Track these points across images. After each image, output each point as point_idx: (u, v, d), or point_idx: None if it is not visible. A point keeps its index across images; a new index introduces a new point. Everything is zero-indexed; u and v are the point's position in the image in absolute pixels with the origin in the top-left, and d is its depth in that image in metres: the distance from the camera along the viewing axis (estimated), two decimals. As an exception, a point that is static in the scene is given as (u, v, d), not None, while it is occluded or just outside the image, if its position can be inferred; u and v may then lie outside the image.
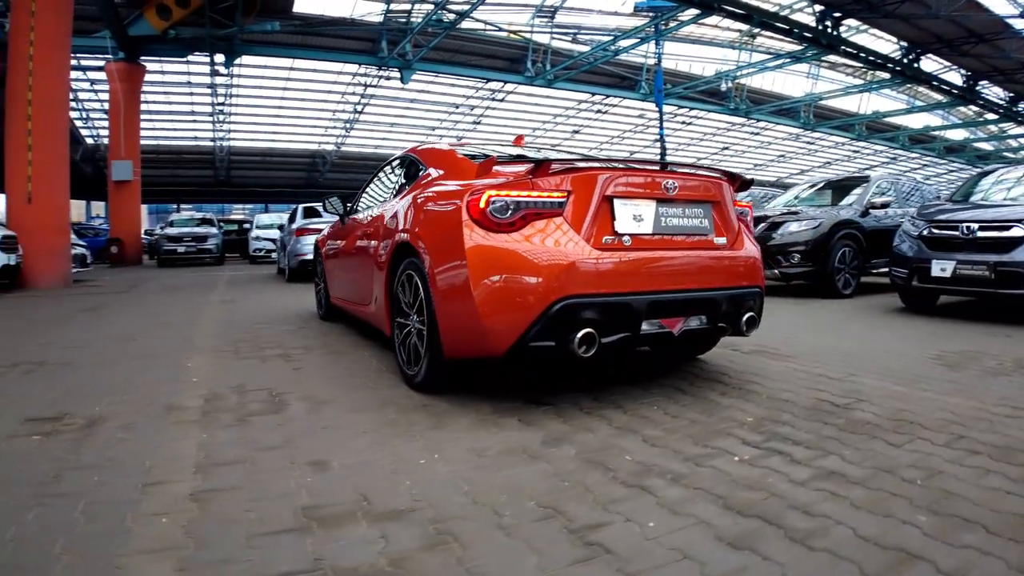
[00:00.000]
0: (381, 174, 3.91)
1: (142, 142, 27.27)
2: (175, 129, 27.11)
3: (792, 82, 24.86)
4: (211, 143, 28.49)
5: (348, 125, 26.55)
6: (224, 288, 8.45)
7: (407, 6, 15.95)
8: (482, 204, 2.14)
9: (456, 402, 2.42)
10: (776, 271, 6.14)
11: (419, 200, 2.60)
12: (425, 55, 17.59)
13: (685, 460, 1.76)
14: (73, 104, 22.95)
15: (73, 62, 18.55)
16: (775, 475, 1.63)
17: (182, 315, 5.43)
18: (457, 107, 24.86)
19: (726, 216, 2.58)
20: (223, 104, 23.81)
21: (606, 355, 3.10)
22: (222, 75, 19.72)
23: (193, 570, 1.24)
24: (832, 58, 19.90)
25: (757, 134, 30.53)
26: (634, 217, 2.28)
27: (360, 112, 24.80)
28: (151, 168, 29.63)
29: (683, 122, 27.95)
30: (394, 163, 3.71)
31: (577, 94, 23.54)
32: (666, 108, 20.54)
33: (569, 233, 2.15)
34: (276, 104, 24.52)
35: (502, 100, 23.78)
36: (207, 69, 19.18)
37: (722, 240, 2.53)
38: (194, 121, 26.14)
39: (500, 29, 16.74)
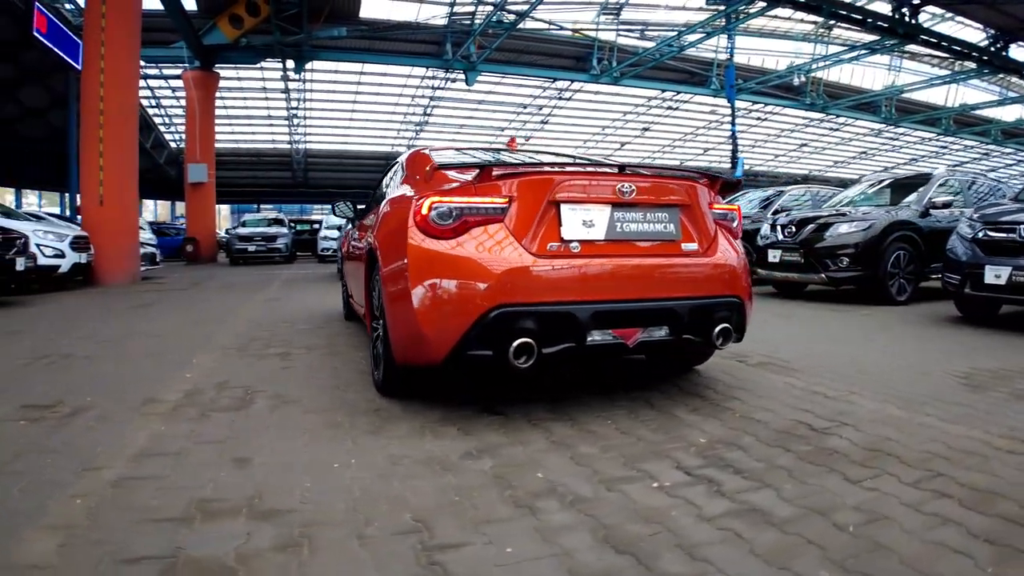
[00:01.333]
0: (384, 178, 4.08)
1: (223, 145, 29.81)
2: (253, 133, 29.41)
3: (872, 75, 23.78)
4: (288, 146, 30.65)
5: (418, 127, 27.76)
6: (278, 287, 9.07)
7: (471, 8, 16.44)
8: (424, 210, 2.19)
9: (411, 407, 2.48)
10: (823, 275, 5.89)
11: (383, 206, 2.71)
12: (488, 56, 18.11)
13: (599, 482, 1.71)
14: (157, 110, 25.53)
15: (155, 71, 20.72)
16: (685, 507, 1.55)
17: (220, 313, 5.91)
18: (524, 107, 25.29)
19: (698, 220, 2.46)
20: (297, 108, 25.58)
21: (556, 365, 3.09)
22: (293, 80, 21.10)
23: (71, 546, 1.39)
24: (914, 48, 18.74)
25: (836, 130, 29.52)
26: (584, 222, 2.23)
27: (428, 114, 25.84)
28: (232, 170, 32.37)
29: (758, 118, 27.37)
30: (394, 167, 3.85)
31: (646, 91, 23.51)
32: (740, 104, 20.14)
33: (508, 240, 2.14)
34: (349, 107, 26.08)
35: (569, 99, 23.96)
36: (292, 74, 20.64)
37: (692, 246, 2.42)
38: (271, 125, 28.26)
39: (561, 28, 16.87)
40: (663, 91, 23.15)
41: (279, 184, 34.88)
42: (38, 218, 9.67)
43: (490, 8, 15.62)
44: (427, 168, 2.57)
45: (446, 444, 2.05)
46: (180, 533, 1.45)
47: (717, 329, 2.37)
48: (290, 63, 18.77)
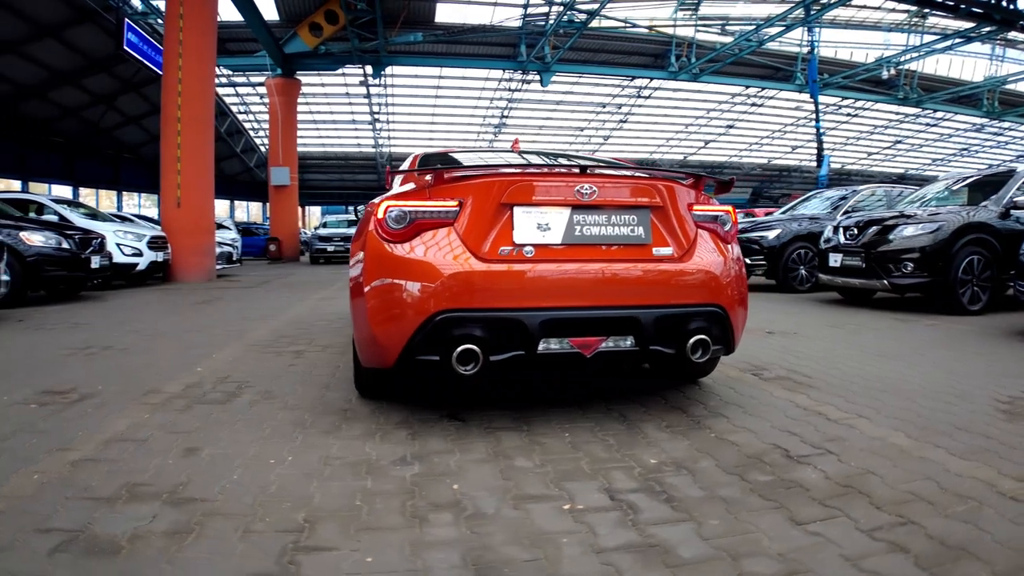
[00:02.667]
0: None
1: (311, 149, 32.07)
2: (340, 137, 31.43)
3: (971, 65, 21.96)
4: (372, 149, 32.51)
5: (497, 129, 28.59)
6: (339, 286, 9.57)
7: (544, 9, 16.68)
8: (380, 214, 2.24)
9: (381, 409, 2.56)
10: (885, 282, 5.53)
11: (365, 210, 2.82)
12: (562, 56, 18.37)
13: (511, 499, 1.67)
14: (246, 116, 27.83)
15: (243, 79, 22.67)
16: (583, 536, 1.47)
17: (270, 310, 6.36)
18: (603, 107, 25.38)
19: (672, 223, 2.34)
20: (379, 112, 27.07)
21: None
22: (372, 85, 22.31)
23: (5, 513, 1.58)
24: (1016, 35, 16.98)
25: (933, 125, 28.07)
26: (539, 226, 2.19)
27: (506, 116, 26.55)
28: (321, 173, 34.77)
29: (847, 114, 26.34)
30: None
31: (728, 88, 23.24)
32: (827, 100, 19.35)
33: (456, 244, 2.15)
34: (429, 110, 27.38)
35: (648, 97, 23.90)
36: (370, 79, 21.92)
37: (665, 251, 2.31)
38: (356, 129, 30.09)
39: (634, 25, 16.77)
40: (746, 87, 22.82)
41: (366, 186, 36.98)
42: (122, 219, 10.88)
43: (561, 9, 15.76)
44: (402, 171, 2.63)
45: (387, 448, 2.10)
46: (99, 511, 1.60)
47: (692, 341, 2.24)
48: (369, 69, 19.85)
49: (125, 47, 12.00)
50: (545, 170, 2.39)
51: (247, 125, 28.50)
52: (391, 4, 16.85)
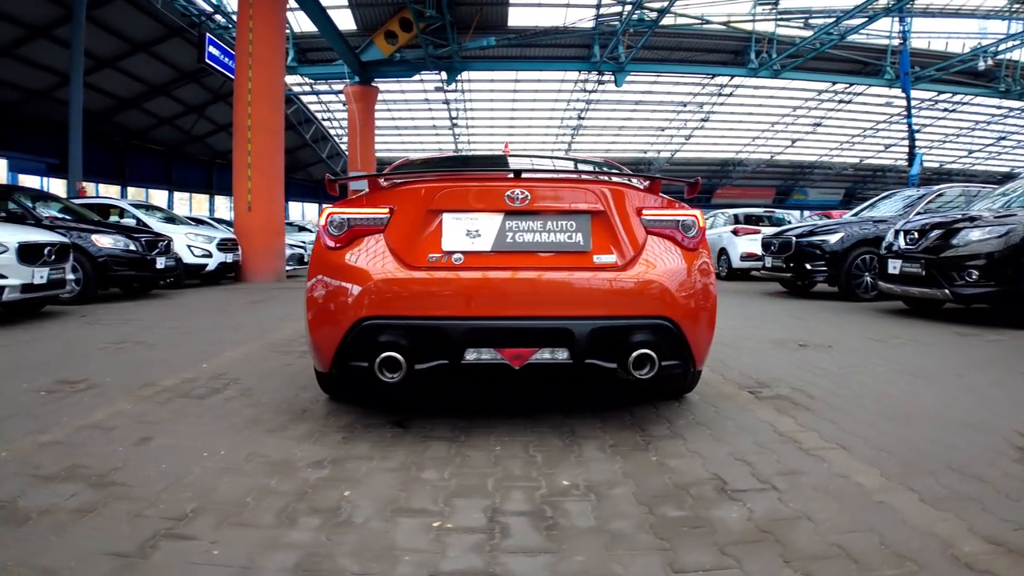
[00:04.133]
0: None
1: (393, 154, 33.64)
2: (421, 141, 32.86)
3: None
4: (453, 153, 33.77)
5: (574, 131, 28.91)
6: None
7: (617, 9, 16.69)
8: (323, 221, 2.39)
9: (336, 411, 2.72)
10: (946, 291, 5.13)
11: None
12: (637, 55, 18.32)
13: (391, 511, 1.73)
14: (330, 122, 29.58)
15: (324, 87, 24.18)
16: (427, 556, 1.48)
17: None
18: (684, 106, 25.08)
19: (616, 229, 2.29)
20: (456, 116, 28.06)
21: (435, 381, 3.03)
22: (446, 91, 23.14)
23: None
24: None
25: None
26: (468, 232, 2.24)
27: (583, 117, 26.80)
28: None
29: (944, 109, 24.86)
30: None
31: (815, 84, 22.67)
32: (921, 95, 18.10)
33: (385, 251, 2.24)
34: (507, 113, 28.12)
35: (730, 95, 23.47)
36: (444, 85, 22.83)
37: (608, 258, 2.27)
38: (436, 133, 31.34)
39: (707, 21, 16.41)
40: (832, 84, 22.07)
41: None
42: (198, 222, 11.95)
43: (631, 7, 15.72)
44: (331, 179, 2.67)
45: (313, 450, 2.23)
46: (33, 488, 1.85)
47: (634, 356, 2.19)
48: (444, 75, 20.64)
49: (206, 60, 13.28)
50: (478, 176, 2.43)
51: (332, 131, 30.36)
52: (464, 10, 17.45)
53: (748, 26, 18.01)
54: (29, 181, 18.84)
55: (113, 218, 9.68)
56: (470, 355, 2.20)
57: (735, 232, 11.94)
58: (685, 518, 1.71)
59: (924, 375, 3.44)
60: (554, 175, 2.43)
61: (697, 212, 2.48)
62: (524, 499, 1.83)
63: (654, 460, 2.16)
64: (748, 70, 19.37)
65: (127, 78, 18.99)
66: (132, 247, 7.45)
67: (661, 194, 2.51)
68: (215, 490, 1.87)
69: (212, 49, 13.48)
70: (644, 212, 2.37)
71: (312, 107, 27.84)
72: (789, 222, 11.63)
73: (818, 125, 27.99)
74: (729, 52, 20.30)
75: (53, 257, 5.54)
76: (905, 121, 18.99)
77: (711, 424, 2.57)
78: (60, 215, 7.67)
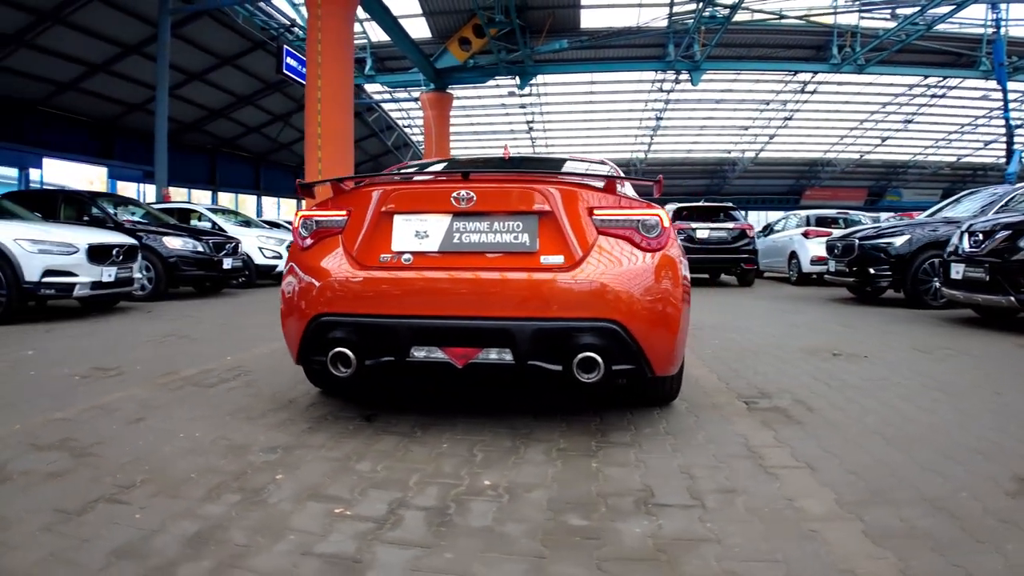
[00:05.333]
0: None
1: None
2: (499, 146, 33.56)
3: None
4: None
5: (653, 132, 28.67)
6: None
7: (691, 6, 16.45)
8: (296, 223, 2.63)
9: (319, 403, 2.94)
10: (1011, 298, 4.79)
11: None
12: (712, 53, 18.00)
13: (307, 496, 1.88)
14: (411, 128, 30.77)
15: (404, 94, 25.23)
16: (311, 537, 1.61)
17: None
18: (767, 104, 24.36)
19: (564, 230, 2.33)
20: (533, 120, 28.50)
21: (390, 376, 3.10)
22: (520, 95, 23.55)
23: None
24: None
25: None
26: (417, 233, 2.37)
27: (661, 118, 26.54)
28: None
29: None
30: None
31: (904, 79, 21.65)
32: (1020, 86, 16.51)
33: (340, 251, 2.42)
34: (584, 116, 28.31)
35: (813, 92, 22.62)
36: (516, 90, 23.31)
37: (555, 259, 2.31)
38: (514, 137, 31.93)
39: (782, 16, 15.79)
40: (924, 77, 21.00)
41: None
42: (274, 225, 12.86)
43: (711, 4, 15.43)
44: (302, 183, 2.88)
45: (274, 437, 2.44)
46: (25, 454, 2.18)
47: (578, 359, 2.23)
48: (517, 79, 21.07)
49: (284, 70, 14.33)
50: (426, 178, 2.55)
51: (413, 137, 31.65)
52: (536, 14, 17.74)
53: (828, 19, 17.33)
54: (127, 187, 21.08)
55: (193, 222, 10.64)
56: (418, 353, 2.33)
57: (805, 235, 11.40)
58: (583, 528, 1.72)
59: (953, 391, 3.21)
60: (501, 176, 2.51)
61: (661, 211, 2.45)
62: (436, 495, 1.92)
63: (593, 467, 2.17)
64: (830, 65, 18.66)
65: (215, 90, 20.84)
66: (200, 248, 8.19)
67: (623, 194, 2.51)
68: (170, 466, 2.11)
69: (290, 60, 14.51)
70: (596, 212, 2.37)
71: (393, 114, 29.12)
72: (864, 223, 10.96)
73: (909, 122, 26.73)
74: (809, 47, 19.71)
75: (121, 257, 6.22)
76: (1002, 116, 17.41)
77: (680, 434, 2.54)
78: (139, 219, 8.55)
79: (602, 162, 3.49)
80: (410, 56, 17.93)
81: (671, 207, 11.67)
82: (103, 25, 15.27)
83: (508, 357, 2.31)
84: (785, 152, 33.47)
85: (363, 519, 1.74)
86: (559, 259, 2.32)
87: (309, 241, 2.55)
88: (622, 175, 3.30)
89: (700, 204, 11.95)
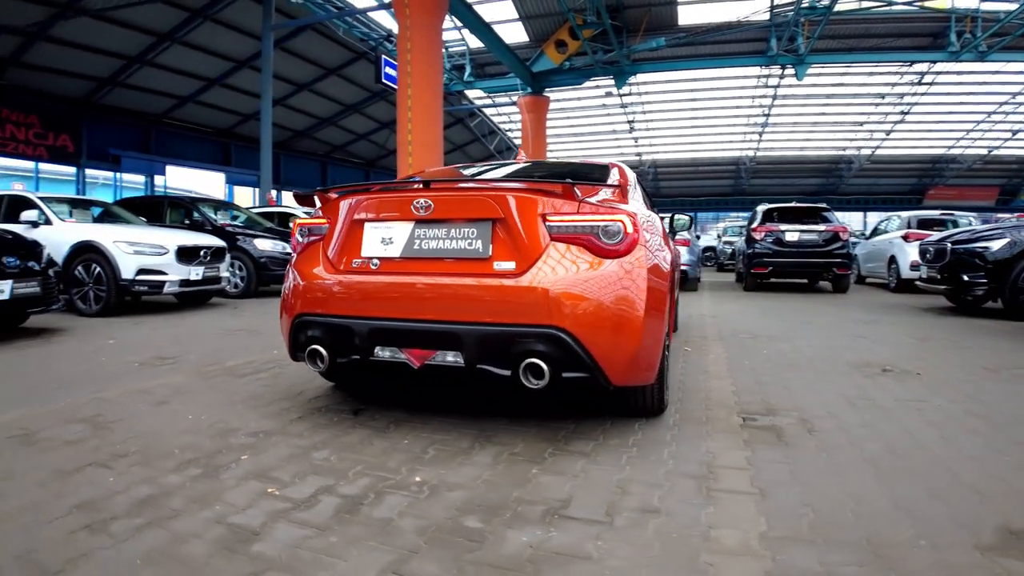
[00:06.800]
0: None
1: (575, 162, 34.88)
2: (600, 147, 33.57)
3: None
4: (635, 157, 34.04)
5: (761, 128, 27.66)
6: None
7: (793, -2, 15.76)
8: (294, 231, 2.95)
9: (323, 395, 3.25)
10: None
11: None
12: (816, 46, 17.14)
13: (253, 475, 2.14)
14: (512, 132, 31.41)
15: (504, 98, 25.86)
16: (233, 509, 1.87)
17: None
18: (883, 97, 22.78)
19: (517, 235, 2.43)
20: (634, 120, 28.23)
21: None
22: (619, 95, 23.43)
23: (17, 420, 2.74)
24: None
25: None
26: (382, 240, 2.58)
27: (768, 114, 25.53)
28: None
29: None
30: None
31: None
32: None
33: (321, 257, 2.70)
34: (688, 114, 27.75)
35: (931, 84, 20.76)
36: (614, 91, 23.28)
37: (507, 265, 2.41)
38: (616, 138, 31.82)
39: (889, 3, 14.58)
40: None
41: None
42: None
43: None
44: (297, 193, 3.15)
45: (264, 424, 2.75)
46: (56, 425, 2.65)
47: (524, 365, 2.32)
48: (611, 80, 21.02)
49: (383, 80, 15.32)
50: (391, 187, 2.73)
51: (517, 141, 32.39)
52: (632, 13, 17.62)
53: (944, 3, 15.80)
54: (243, 191, 23.37)
55: (291, 224, 11.67)
56: (383, 353, 2.56)
57: (905, 238, 10.44)
58: (475, 530, 1.79)
59: (997, 420, 2.92)
60: (458, 184, 2.68)
61: (625, 217, 2.47)
62: (364, 486, 2.10)
63: (532, 473, 2.23)
64: (948, 54, 17.04)
65: (322, 99, 22.64)
66: (288, 250, 9.00)
67: (587, 200, 2.54)
68: (162, 442, 2.48)
69: (388, 69, 15.46)
70: (549, 219, 2.44)
71: (496, 119, 29.94)
72: (971, 225, 9.89)
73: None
74: (925, 35, 18.25)
75: (208, 258, 7.03)
76: None
77: (646, 447, 2.51)
78: (239, 223, 9.54)
79: (609, 166, 3.48)
80: (505, 61, 18.43)
81: (761, 208, 11.19)
82: (215, 43, 17.18)
83: (461, 360, 2.46)
84: (904, 149, 30.97)
85: (286, 500, 1.98)
86: (511, 265, 2.42)
87: (301, 248, 2.87)
88: (632, 181, 3.36)
89: (791, 205, 11.29)
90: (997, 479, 2.19)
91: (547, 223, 2.45)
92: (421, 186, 2.63)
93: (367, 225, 2.67)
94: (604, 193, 2.78)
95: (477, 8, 15.82)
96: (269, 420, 2.85)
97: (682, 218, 4.93)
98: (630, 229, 2.47)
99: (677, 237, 10.39)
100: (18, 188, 16.15)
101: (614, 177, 3.24)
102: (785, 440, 2.64)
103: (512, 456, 2.42)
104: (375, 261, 2.62)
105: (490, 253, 2.46)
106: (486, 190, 2.57)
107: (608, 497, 2.04)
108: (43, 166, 17.75)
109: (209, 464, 2.28)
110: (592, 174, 3.23)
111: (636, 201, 3.20)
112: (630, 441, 2.61)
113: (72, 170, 18.25)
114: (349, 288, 2.62)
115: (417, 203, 2.54)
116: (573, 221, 2.45)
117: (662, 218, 4.84)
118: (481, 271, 2.45)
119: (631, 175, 3.48)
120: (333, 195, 2.81)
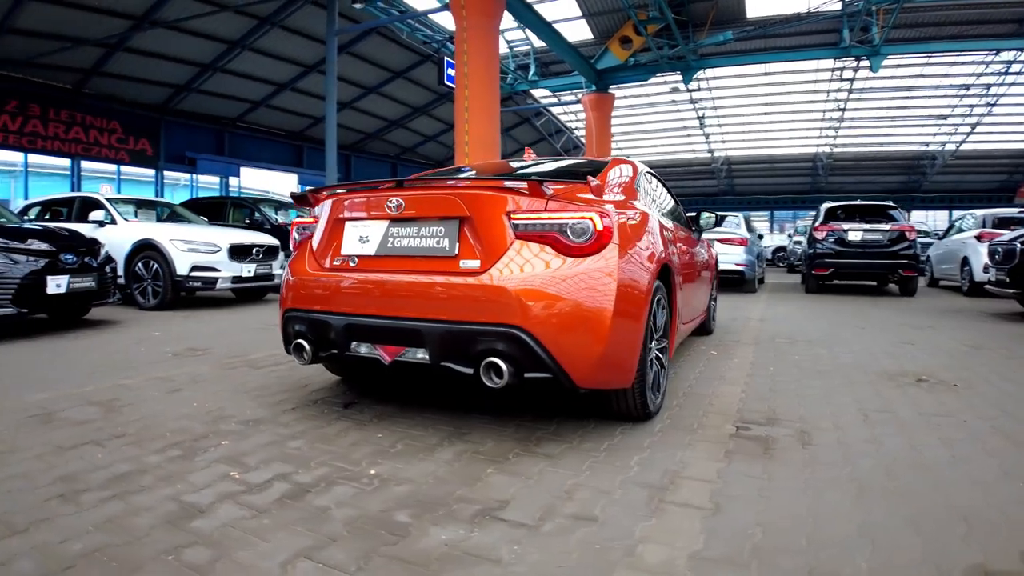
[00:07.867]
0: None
1: (646, 159, 34.49)
2: (670, 144, 33.04)
3: None
4: (707, 154, 33.33)
5: (839, 123, 26.62)
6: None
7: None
8: (292, 231, 3.16)
9: (323, 389, 3.42)
10: None
11: None
12: (891, 36, 16.28)
13: (224, 460, 2.31)
14: (579, 131, 31.32)
15: (571, 96, 25.83)
16: (192, 488, 2.06)
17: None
18: (967, 88, 21.30)
19: (485, 234, 2.47)
20: (703, 116, 27.60)
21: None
22: (688, 90, 22.96)
23: (39, 404, 3.08)
24: None
25: None
26: (360, 238, 2.70)
27: (844, 109, 24.53)
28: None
29: None
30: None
31: None
32: None
33: (308, 254, 2.86)
34: (761, 109, 26.90)
35: (1020, 73, 19.30)
36: (681, 86, 22.84)
37: (472, 263, 2.46)
38: (687, 134, 31.23)
39: None
40: None
41: (704, 192, 37.68)
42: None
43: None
44: (294, 194, 3.30)
45: (259, 413, 2.94)
46: (74, 407, 2.94)
47: (484, 363, 2.37)
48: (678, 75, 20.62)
49: (446, 81, 15.67)
50: (368, 186, 2.82)
51: (584, 139, 32.37)
52: (699, 7, 17.22)
53: None
54: (311, 192, 24.56)
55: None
56: (360, 348, 2.69)
57: (979, 237, 9.64)
58: (400, 524, 1.85)
59: (1022, 441, 2.70)
60: (428, 183, 2.70)
61: (594, 214, 2.45)
62: (319, 476, 2.21)
63: (487, 473, 2.25)
64: None
65: (390, 101, 23.46)
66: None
67: (556, 198, 2.55)
68: (159, 425, 2.72)
69: (450, 71, 15.79)
70: (514, 217, 2.47)
71: (563, 117, 29.95)
72: None
73: None
74: (1010, 21, 16.96)
75: (260, 255, 7.48)
76: None
77: (616, 453, 2.47)
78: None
79: (610, 163, 3.36)
80: (568, 59, 18.43)
81: (825, 206, 10.69)
82: (283, 48, 18.14)
83: (426, 357, 2.55)
84: (992, 144, 28.68)
85: (241, 483, 2.13)
86: (475, 264, 2.47)
87: (296, 245, 3.07)
88: (629, 179, 3.31)
89: (855, 203, 10.70)
90: (995, 509, 2.01)
91: (512, 221, 2.47)
92: (395, 185, 2.74)
93: (348, 224, 2.81)
94: (587, 191, 2.72)
95: (539, 7, 15.90)
96: (264, 409, 3.04)
97: (708, 216, 4.85)
98: (600, 227, 2.45)
99: (732, 236, 10.13)
100: (106, 189, 17.67)
101: (613, 175, 3.20)
102: (771, 453, 2.52)
103: (475, 455, 2.45)
104: (354, 259, 2.76)
105: (456, 252, 2.53)
106: (454, 188, 2.61)
107: (549, 501, 2.02)
108: (125, 168, 19.32)
109: (191, 447, 2.48)
110: (581, 172, 3.19)
111: (641, 198, 3.20)
112: (604, 446, 2.57)
113: (152, 172, 19.76)
114: (329, 285, 2.76)
115: (390, 202, 2.65)
116: (538, 219, 2.46)
117: (691, 217, 4.79)
118: (448, 269, 2.52)
119: (629, 172, 3.40)
120: (324, 194, 2.96)
